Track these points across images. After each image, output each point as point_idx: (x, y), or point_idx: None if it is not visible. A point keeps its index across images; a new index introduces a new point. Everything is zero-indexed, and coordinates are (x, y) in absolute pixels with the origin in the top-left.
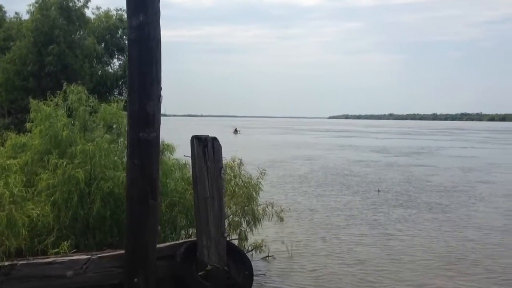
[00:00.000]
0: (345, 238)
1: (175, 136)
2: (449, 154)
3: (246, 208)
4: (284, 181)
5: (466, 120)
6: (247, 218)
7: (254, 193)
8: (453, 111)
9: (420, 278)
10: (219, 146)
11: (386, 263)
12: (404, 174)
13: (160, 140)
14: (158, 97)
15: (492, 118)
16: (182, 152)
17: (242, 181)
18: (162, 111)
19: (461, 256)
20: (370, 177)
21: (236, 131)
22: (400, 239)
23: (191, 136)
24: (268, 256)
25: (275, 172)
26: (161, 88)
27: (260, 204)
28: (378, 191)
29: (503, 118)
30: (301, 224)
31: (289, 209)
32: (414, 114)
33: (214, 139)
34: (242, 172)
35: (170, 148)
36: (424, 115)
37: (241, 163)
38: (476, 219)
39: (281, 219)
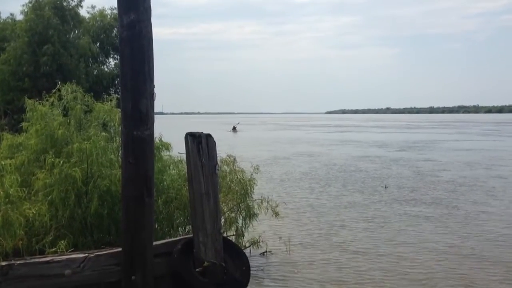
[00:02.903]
0: (348, 234)
1: (172, 134)
2: (452, 148)
3: (241, 204)
4: (287, 178)
5: (463, 112)
6: (243, 214)
7: (249, 188)
8: (450, 104)
9: (433, 281)
10: (213, 143)
11: (391, 259)
12: (410, 169)
13: (157, 137)
14: (151, 95)
15: (489, 110)
16: (179, 150)
17: (237, 177)
18: (160, 110)
19: (482, 256)
20: (375, 173)
21: (234, 129)
22: (410, 235)
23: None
24: (265, 252)
25: (277, 169)
26: (154, 86)
27: (255, 200)
28: (386, 187)
29: (500, 110)
30: (301, 220)
31: (284, 203)
32: (411, 108)
33: (208, 136)
34: (237, 169)
35: (166, 145)
36: (421, 108)
37: (235, 160)
38: (494, 215)
39: (277, 214)
